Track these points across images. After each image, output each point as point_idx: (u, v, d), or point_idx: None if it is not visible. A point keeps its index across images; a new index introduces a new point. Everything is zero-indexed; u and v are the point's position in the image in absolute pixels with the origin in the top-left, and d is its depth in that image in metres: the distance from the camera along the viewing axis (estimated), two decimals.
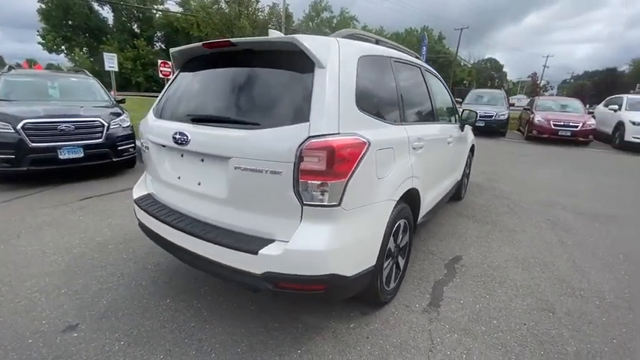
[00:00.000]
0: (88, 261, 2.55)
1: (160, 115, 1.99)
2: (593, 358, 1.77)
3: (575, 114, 10.42)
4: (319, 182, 1.39)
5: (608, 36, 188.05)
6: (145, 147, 2.01)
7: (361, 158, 1.51)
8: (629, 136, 8.92)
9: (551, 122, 9.87)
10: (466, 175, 4.36)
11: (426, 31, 66.66)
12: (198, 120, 1.71)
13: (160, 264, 2.54)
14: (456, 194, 3.93)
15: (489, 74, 67.39)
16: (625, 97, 10.38)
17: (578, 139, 9.67)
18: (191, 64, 2.03)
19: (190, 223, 1.71)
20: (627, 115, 9.23)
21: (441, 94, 3.16)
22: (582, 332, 1.96)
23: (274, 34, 1.98)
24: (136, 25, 44.12)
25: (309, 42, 1.48)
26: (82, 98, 5.49)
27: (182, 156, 1.79)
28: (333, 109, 1.46)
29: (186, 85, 1.99)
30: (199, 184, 1.71)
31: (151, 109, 2.14)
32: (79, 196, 4.00)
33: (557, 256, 2.92)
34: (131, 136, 5.11)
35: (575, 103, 11.33)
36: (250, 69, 1.72)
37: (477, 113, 3.56)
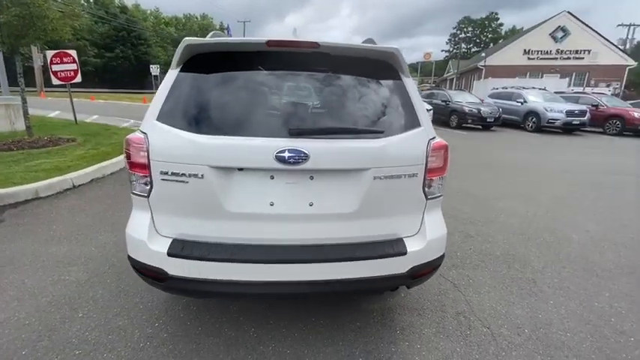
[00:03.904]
0: None
1: (200, 130, 1.43)
2: (551, 266, 2.82)
3: None
4: (439, 177, 1.64)
5: (344, 39, 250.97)
6: (191, 175, 1.39)
7: None
8: None
9: None
10: None
11: (205, 20, 65.28)
12: (301, 133, 1.44)
13: (155, 336, 1.83)
14: None
15: None
16: None
17: None
18: (220, 62, 1.54)
19: (305, 251, 1.48)
20: None
21: None
22: (541, 255, 3.19)
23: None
24: None
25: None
26: None
27: (272, 178, 1.45)
28: (428, 113, 1.71)
29: (235, 90, 1.52)
30: (311, 204, 1.48)
31: (167, 124, 1.45)
32: None
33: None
34: None
35: None
36: (338, 75, 1.60)
37: None
